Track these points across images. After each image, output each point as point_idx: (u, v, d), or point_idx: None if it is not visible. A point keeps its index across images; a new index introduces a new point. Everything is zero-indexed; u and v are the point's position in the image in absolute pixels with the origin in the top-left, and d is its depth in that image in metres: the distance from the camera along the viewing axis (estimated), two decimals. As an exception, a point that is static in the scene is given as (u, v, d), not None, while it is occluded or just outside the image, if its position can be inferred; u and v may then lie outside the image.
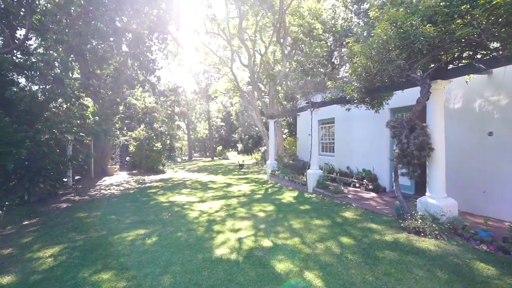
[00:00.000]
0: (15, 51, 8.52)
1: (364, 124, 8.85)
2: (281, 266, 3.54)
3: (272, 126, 12.40)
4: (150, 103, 16.21)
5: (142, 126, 15.18)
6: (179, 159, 27.86)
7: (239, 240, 4.51)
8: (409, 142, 4.59)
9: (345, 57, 13.04)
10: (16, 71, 6.80)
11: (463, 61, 4.54)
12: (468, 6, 3.74)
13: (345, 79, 7.41)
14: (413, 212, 4.73)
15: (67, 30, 7.17)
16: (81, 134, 8.96)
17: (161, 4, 12.76)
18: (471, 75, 5.28)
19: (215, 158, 30.45)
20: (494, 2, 3.47)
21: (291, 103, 18.36)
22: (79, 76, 12.22)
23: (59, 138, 7.73)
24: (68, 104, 8.07)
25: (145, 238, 4.72)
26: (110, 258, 3.91)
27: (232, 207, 6.89)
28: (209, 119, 32.11)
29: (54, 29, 7.28)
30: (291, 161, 12.08)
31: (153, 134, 15.20)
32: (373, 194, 7.61)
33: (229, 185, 10.82)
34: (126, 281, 3.24)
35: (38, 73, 6.45)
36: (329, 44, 18.24)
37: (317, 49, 14.93)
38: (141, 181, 12.60)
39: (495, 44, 4.17)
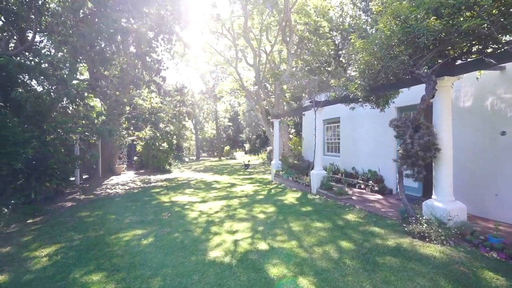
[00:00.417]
0: (25, 53, 8.75)
1: (370, 123, 8.58)
2: (275, 270, 3.40)
3: (277, 126, 12.25)
4: (156, 103, 16.35)
5: (149, 126, 15.32)
6: (186, 159, 28.07)
7: (235, 243, 4.40)
8: (414, 142, 4.36)
9: (352, 55, 12.73)
10: (21, 72, 6.91)
11: (472, 56, 4.26)
12: (476, -4, 3.50)
13: (349, 77, 7.16)
14: (418, 216, 4.50)
15: (71, 31, 7.27)
16: (86, 133, 9.09)
17: (167, 5, 12.86)
18: (482, 71, 4.99)
19: (222, 158, 30.50)
20: (504, -8, 3.23)
21: (298, 102, 18.15)
22: (87, 77, 12.46)
23: (64, 138, 7.84)
24: (73, 105, 8.18)
25: (141, 239, 4.68)
26: (103, 258, 3.89)
27: (232, 208, 6.79)
28: (217, 119, 32.19)
29: (58, 30, 7.38)
30: (296, 161, 11.89)
31: (158, 134, 15.30)
32: (378, 196, 7.35)
33: (232, 185, 10.74)
34: (115, 283, 3.19)
35: (41, 74, 6.54)
36: (336, 42, 17.92)
37: (323, 47, 14.67)
38: (146, 180, 12.71)
39: (508, 37, 3.91)
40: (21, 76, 8.09)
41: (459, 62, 4.39)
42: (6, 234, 5.18)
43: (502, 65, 4.57)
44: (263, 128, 25.87)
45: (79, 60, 9.81)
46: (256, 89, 18.38)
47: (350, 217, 5.61)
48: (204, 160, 27.95)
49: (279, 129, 13.30)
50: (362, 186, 8.23)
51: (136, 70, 12.31)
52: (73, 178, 11.50)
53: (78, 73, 8.27)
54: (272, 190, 9.28)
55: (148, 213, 6.48)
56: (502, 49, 3.78)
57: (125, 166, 17.23)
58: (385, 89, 5.59)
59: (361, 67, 5.32)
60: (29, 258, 3.98)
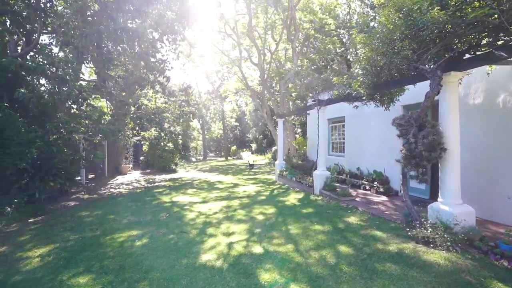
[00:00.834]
0: (32, 53, 8.89)
1: (375, 122, 8.29)
2: (267, 276, 3.25)
3: (280, 125, 12.05)
4: (162, 103, 16.43)
5: (154, 126, 15.42)
6: (193, 159, 28.18)
7: (229, 245, 4.27)
8: (418, 141, 4.11)
9: (357, 52, 12.39)
10: (23, 73, 6.99)
11: (482, 50, 3.98)
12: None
13: (352, 74, 6.89)
14: (422, 220, 4.24)
15: (73, 32, 7.31)
16: (89, 133, 9.16)
17: (172, 6, 12.87)
18: (493, 66, 4.68)
19: (229, 158, 30.50)
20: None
21: (304, 102, 17.88)
22: (95, 77, 12.62)
23: (66, 138, 7.90)
24: (76, 105, 8.24)
25: (136, 240, 4.61)
26: (94, 260, 3.83)
27: (232, 209, 6.67)
28: (224, 119, 32.20)
29: (60, 31, 7.44)
30: (300, 162, 11.66)
31: (163, 134, 15.37)
32: (383, 198, 7.07)
33: (235, 185, 10.63)
34: (101, 286, 3.11)
35: (43, 74, 6.59)
36: (344, 40, 17.54)
37: (329, 45, 14.37)
38: (151, 180, 12.76)
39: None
40: (28, 78, 8.25)
41: (467, 56, 4.11)
42: (6, 233, 5.22)
43: (514, 59, 4.25)
44: (270, 128, 25.72)
45: (85, 61, 9.94)
46: (261, 88, 18.22)
47: (352, 219, 5.39)
48: (211, 160, 27.99)
49: (284, 129, 13.11)
50: (367, 187, 7.95)
51: (141, 71, 12.40)
52: (79, 178, 11.68)
53: (82, 74, 8.29)
54: (275, 191, 9.11)
55: (147, 214, 6.43)
56: (514, 41, 3.51)
57: (131, 166, 17.40)
58: (389, 86, 5.34)
59: (363, 63, 5.09)
60: (22, 258, 3.97)
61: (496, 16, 3.35)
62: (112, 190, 10.28)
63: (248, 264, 3.60)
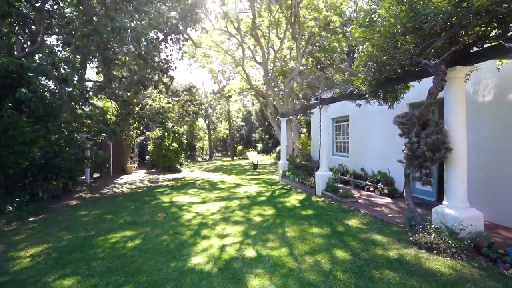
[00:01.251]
0: (37, 54, 9.01)
1: (380, 121, 8.00)
2: (256, 282, 3.09)
3: (283, 125, 11.86)
4: (166, 103, 16.48)
5: (158, 126, 15.48)
6: (199, 159, 28.23)
7: (222, 248, 4.13)
8: (420, 141, 3.87)
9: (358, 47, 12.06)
10: (24, 73, 7.05)
11: (491, 42, 3.70)
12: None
13: (353, 71, 6.63)
14: (426, 224, 3.99)
15: (73, 32, 7.34)
16: (92, 133, 9.21)
17: (176, 7, 12.86)
18: (504, 60, 4.37)
19: (235, 157, 30.43)
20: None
21: (307, 101, 17.61)
22: (100, 78, 12.72)
23: (68, 138, 7.95)
24: (77, 105, 8.28)
25: (128, 241, 4.53)
26: (83, 261, 3.75)
27: (230, 210, 6.54)
28: (230, 119, 32.17)
29: (61, 31, 7.49)
30: (303, 162, 11.43)
31: (166, 134, 15.41)
32: (387, 200, 6.80)
33: (237, 185, 10.50)
34: (84, 289, 3.03)
35: (43, 74, 6.63)
36: (351, 38, 17.17)
37: (334, 43, 14.07)
38: (154, 180, 12.78)
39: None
40: (30, 78, 8.36)
41: (474, 50, 3.84)
42: (2, 232, 5.23)
43: (527, 52, 3.95)
44: (274, 128, 25.52)
45: (88, 61, 10.01)
46: (265, 88, 18.05)
47: (352, 222, 5.17)
48: (217, 160, 27.98)
49: (288, 129, 12.90)
50: (371, 189, 7.68)
51: (144, 70, 12.44)
52: (83, 177, 11.81)
53: (82, 73, 8.31)
54: (276, 192, 8.93)
55: (144, 214, 6.37)
56: (526, 32, 3.23)
57: (136, 165, 17.53)
58: (392, 83, 5.08)
59: (364, 59, 4.86)
60: (13, 258, 3.94)
61: (505, 5, 3.09)
62: (114, 189, 10.32)
63: (238, 268, 3.45)
